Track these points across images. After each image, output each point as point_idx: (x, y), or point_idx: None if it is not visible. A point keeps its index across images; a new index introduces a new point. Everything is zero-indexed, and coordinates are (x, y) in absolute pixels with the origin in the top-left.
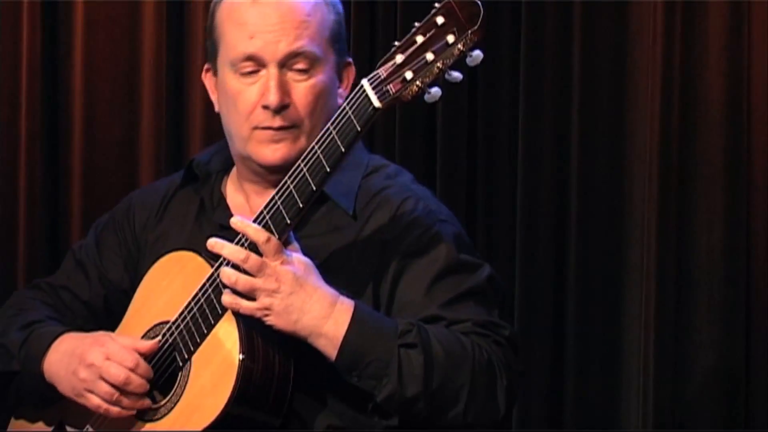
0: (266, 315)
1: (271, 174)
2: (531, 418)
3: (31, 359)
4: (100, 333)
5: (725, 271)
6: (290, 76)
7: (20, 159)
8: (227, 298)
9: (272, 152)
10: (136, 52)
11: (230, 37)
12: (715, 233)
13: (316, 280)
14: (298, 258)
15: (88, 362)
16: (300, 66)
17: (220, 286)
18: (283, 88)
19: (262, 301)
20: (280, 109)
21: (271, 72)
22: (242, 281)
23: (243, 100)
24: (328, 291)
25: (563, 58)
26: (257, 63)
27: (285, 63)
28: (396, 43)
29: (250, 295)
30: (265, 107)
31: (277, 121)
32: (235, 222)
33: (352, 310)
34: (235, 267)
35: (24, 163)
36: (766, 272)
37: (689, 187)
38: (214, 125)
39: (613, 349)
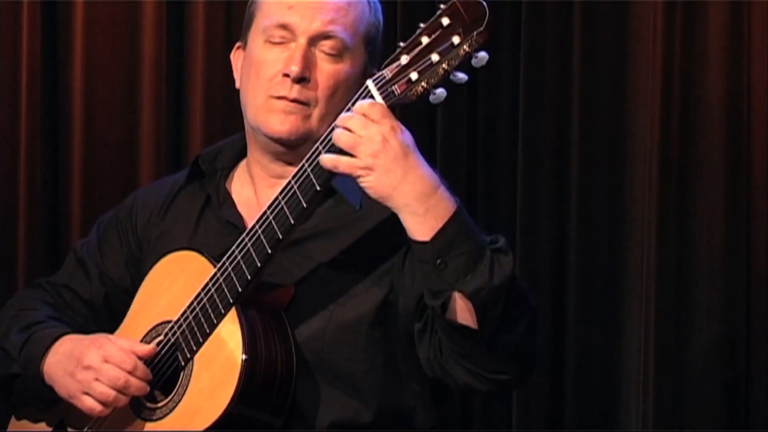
0: (366, 175)
1: (280, 156)
2: (531, 418)
3: (30, 361)
4: (99, 335)
5: (725, 271)
6: (318, 55)
7: (20, 159)
8: (327, 156)
9: (280, 123)
10: (136, 52)
11: (268, 6)
12: (715, 233)
13: (420, 157)
14: (409, 134)
15: (86, 364)
16: (329, 49)
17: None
18: (307, 62)
19: (365, 160)
20: (300, 80)
21: (299, 43)
22: (346, 136)
23: (266, 67)
24: (432, 173)
25: (563, 58)
26: (289, 34)
27: (315, 41)
28: (401, 44)
29: (351, 153)
30: (286, 75)
31: (294, 92)
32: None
33: (455, 201)
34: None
35: (24, 163)
36: (766, 272)
37: (689, 187)
38: (214, 125)
39: (613, 349)
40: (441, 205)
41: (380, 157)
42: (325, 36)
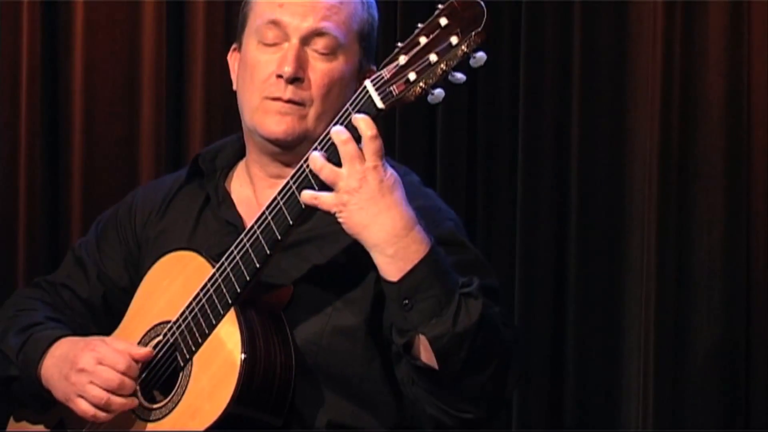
0: (340, 212)
1: (278, 157)
2: (531, 418)
3: (28, 364)
4: (94, 338)
5: (725, 271)
6: (311, 54)
7: (20, 159)
8: (307, 193)
9: (276, 123)
10: (136, 52)
11: (260, 6)
12: (715, 233)
13: (400, 198)
14: (391, 171)
15: (80, 367)
16: (321, 48)
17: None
18: (300, 62)
19: (341, 196)
20: (293, 81)
21: (292, 43)
22: (328, 170)
23: (260, 69)
24: (408, 213)
25: (563, 58)
26: (280, 32)
27: (308, 40)
28: (399, 44)
29: (330, 187)
30: (279, 76)
31: (288, 93)
32: (337, 129)
33: (429, 242)
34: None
35: (24, 163)
36: (766, 272)
37: (689, 187)
38: (213, 125)
39: (613, 349)
40: (412, 247)
41: (354, 195)
42: (318, 33)
